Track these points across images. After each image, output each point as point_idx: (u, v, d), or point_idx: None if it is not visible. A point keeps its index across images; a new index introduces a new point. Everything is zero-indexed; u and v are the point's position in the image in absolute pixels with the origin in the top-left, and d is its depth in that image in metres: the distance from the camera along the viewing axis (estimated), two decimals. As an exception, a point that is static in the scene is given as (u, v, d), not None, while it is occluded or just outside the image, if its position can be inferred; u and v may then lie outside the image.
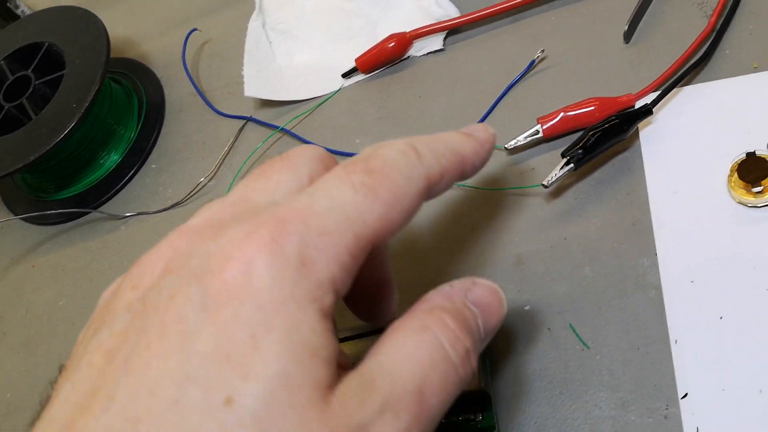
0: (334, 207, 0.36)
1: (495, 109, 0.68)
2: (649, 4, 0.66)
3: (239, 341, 0.33)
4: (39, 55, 0.82)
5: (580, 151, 0.58)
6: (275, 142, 0.77)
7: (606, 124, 0.58)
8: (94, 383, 0.34)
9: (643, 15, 0.66)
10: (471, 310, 0.41)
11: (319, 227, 0.35)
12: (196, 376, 0.32)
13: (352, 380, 0.35)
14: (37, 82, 0.80)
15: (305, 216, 0.36)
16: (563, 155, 0.59)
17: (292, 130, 0.76)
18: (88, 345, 0.36)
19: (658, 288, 0.55)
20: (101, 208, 0.80)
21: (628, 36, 0.65)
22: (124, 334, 0.35)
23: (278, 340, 0.33)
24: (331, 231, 0.36)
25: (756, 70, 0.60)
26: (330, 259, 0.35)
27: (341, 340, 0.53)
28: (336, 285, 0.35)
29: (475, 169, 0.45)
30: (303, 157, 0.42)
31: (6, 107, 0.79)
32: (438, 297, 0.41)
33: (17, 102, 0.79)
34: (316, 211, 0.36)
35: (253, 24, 0.81)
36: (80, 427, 0.33)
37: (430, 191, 0.41)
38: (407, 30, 0.75)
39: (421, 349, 0.37)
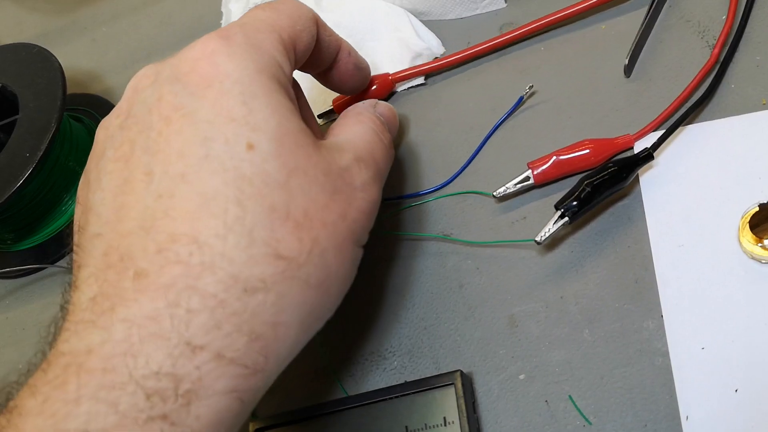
0: (254, 19, 0.47)
1: (482, 150, 0.63)
2: (648, 35, 0.61)
3: (234, 107, 0.42)
4: (-8, 98, 0.76)
5: (574, 203, 0.53)
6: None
7: (603, 172, 0.53)
8: (123, 175, 0.43)
9: (643, 46, 0.60)
10: (380, 117, 0.55)
11: (253, 27, 0.46)
12: (213, 135, 0.41)
13: (327, 143, 0.47)
14: (-13, 129, 0.75)
15: (240, 22, 0.47)
16: (557, 207, 0.54)
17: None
18: (99, 169, 0.45)
19: (665, 355, 0.50)
20: (62, 261, 0.75)
21: (629, 70, 0.60)
22: (130, 141, 0.43)
23: (265, 103, 0.42)
24: (262, 30, 0.46)
25: (765, 106, 0.55)
26: (271, 47, 0.46)
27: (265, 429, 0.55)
28: (281, 64, 0.46)
29: (352, 56, 0.59)
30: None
31: (-44, 154, 0.73)
32: (359, 106, 0.56)
33: (-32, 150, 0.73)
34: (245, 21, 0.47)
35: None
36: (130, 201, 0.42)
37: (320, 30, 0.52)
38: (388, 63, 0.69)
39: (365, 131, 0.52)
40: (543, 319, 0.55)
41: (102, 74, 0.90)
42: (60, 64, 0.75)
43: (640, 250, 0.54)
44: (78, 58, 0.77)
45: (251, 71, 0.43)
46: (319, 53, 0.54)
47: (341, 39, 0.57)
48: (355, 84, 0.61)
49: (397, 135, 0.66)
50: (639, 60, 0.61)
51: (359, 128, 0.52)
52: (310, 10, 0.51)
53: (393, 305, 0.60)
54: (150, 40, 0.90)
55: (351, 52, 0.58)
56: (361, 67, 0.60)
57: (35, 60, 0.76)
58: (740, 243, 0.51)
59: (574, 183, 0.55)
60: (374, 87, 0.68)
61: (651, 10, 0.61)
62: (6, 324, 0.75)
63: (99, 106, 0.85)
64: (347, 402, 0.54)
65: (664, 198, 0.55)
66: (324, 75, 0.58)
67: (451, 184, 0.63)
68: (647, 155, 0.54)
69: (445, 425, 0.51)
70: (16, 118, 0.73)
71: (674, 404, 0.49)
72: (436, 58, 0.70)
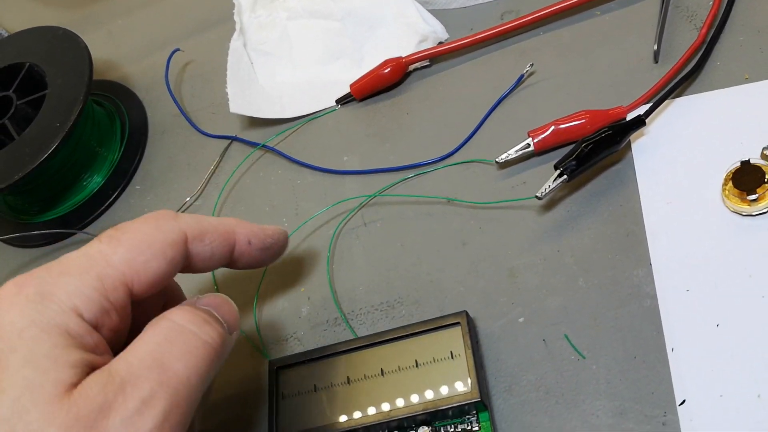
0: (79, 255, 0.44)
1: (484, 124, 0.68)
2: (665, 21, 0.66)
3: None
4: (20, 76, 0.81)
5: (573, 162, 0.58)
6: (258, 158, 0.76)
7: (599, 135, 0.58)
8: None
9: (663, 32, 0.65)
10: (204, 309, 0.47)
11: (59, 270, 0.43)
12: None
13: (96, 375, 0.41)
14: (18, 103, 0.79)
15: (49, 265, 0.44)
16: (556, 167, 0.58)
17: (277, 148, 0.75)
18: None
19: (653, 297, 0.55)
20: (85, 230, 0.79)
21: (657, 55, 0.65)
22: None
23: (21, 357, 0.39)
24: (71, 271, 0.43)
25: (747, 81, 0.60)
26: (70, 293, 0.42)
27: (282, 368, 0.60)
28: (80, 311, 0.42)
29: (254, 244, 0.54)
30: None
31: (-13, 128, 0.78)
32: (174, 312, 0.46)
33: (-1, 122, 0.78)
34: (61, 261, 0.44)
35: (235, 44, 0.81)
36: None
37: (193, 245, 0.49)
38: (395, 48, 0.74)
39: (157, 332, 0.44)
40: (541, 270, 0.59)
41: (119, 63, 0.94)
42: (86, 44, 0.79)
43: (631, 208, 0.59)
44: (95, 49, 0.81)
45: (26, 323, 0.40)
46: (198, 263, 0.50)
47: (235, 232, 0.52)
48: (268, 261, 0.57)
49: (401, 113, 0.71)
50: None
51: (153, 330, 0.44)
52: (174, 230, 0.47)
53: (401, 262, 0.65)
54: (165, 30, 0.94)
55: (252, 239, 0.54)
56: (269, 246, 0.56)
57: (61, 41, 0.81)
58: (723, 198, 0.55)
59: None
60: (387, 70, 0.73)
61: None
62: (29, 288, 0.79)
63: (118, 92, 0.89)
64: (361, 341, 0.58)
65: (654, 161, 0.60)
66: (229, 266, 0.54)
67: (454, 155, 0.68)
68: (639, 121, 0.59)
69: (452, 358, 0.55)
70: (45, 93, 0.77)
71: (661, 339, 0.53)
72: (441, 43, 0.74)
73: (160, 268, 0.46)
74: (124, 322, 0.45)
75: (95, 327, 0.43)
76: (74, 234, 0.79)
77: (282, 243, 0.57)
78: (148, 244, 0.46)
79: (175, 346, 0.43)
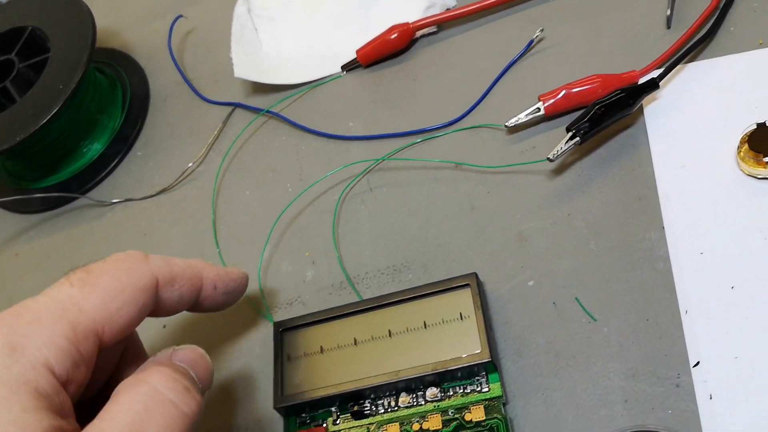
0: (48, 300, 0.41)
1: (493, 90, 0.67)
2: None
3: None
4: (22, 39, 0.80)
5: (586, 124, 0.57)
6: (262, 125, 0.76)
7: (612, 97, 0.58)
8: None
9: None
10: (179, 364, 0.44)
11: (29, 317, 0.39)
12: None
13: None
14: (20, 66, 0.78)
15: (18, 310, 0.40)
16: (568, 129, 0.58)
17: (282, 113, 0.74)
18: None
19: (666, 260, 0.54)
20: (87, 195, 0.78)
21: (669, 21, 0.64)
22: None
23: None
24: (42, 319, 0.39)
25: (761, 46, 0.60)
26: (42, 344, 0.39)
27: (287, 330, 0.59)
28: (51, 366, 0.39)
29: (219, 288, 0.52)
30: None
31: (-12, 91, 0.77)
32: (148, 362, 0.44)
33: (0, 85, 0.77)
34: (30, 306, 0.41)
35: (239, 10, 0.80)
36: None
37: (162, 290, 0.46)
38: (402, 14, 0.74)
39: (137, 398, 0.40)
40: (551, 234, 0.58)
41: (121, 30, 0.93)
42: (88, 7, 0.78)
43: (644, 172, 0.58)
44: (97, 17, 0.79)
45: None
46: (165, 308, 0.48)
47: (202, 277, 0.50)
48: (228, 304, 0.55)
49: (408, 79, 0.70)
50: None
51: (132, 395, 0.40)
52: (146, 274, 0.45)
53: (408, 227, 0.64)
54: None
55: (218, 284, 0.52)
56: (231, 290, 0.54)
57: (64, 4, 0.80)
58: (738, 161, 0.55)
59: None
60: (394, 36, 0.72)
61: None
62: (30, 253, 0.78)
63: (120, 60, 0.89)
64: (368, 303, 0.57)
65: (667, 125, 0.59)
66: (191, 309, 0.52)
67: (462, 120, 0.67)
68: (652, 83, 0.59)
69: (461, 319, 0.54)
70: (47, 57, 0.77)
71: (674, 301, 0.52)
72: (449, 9, 0.74)
73: (132, 315, 0.44)
74: (89, 374, 0.42)
75: (64, 383, 0.40)
76: (76, 198, 0.78)
77: (243, 287, 0.56)
78: (121, 290, 0.43)
79: (155, 418, 0.39)
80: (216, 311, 0.54)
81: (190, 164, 0.75)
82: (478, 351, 0.52)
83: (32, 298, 0.41)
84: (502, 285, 0.58)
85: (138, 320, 0.45)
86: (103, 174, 0.80)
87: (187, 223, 0.72)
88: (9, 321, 0.39)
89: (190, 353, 0.46)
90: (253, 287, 0.65)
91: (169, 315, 0.49)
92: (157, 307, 0.47)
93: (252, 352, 0.62)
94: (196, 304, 0.51)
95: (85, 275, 0.43)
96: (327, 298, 0.62)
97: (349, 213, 0.66)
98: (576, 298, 0.55)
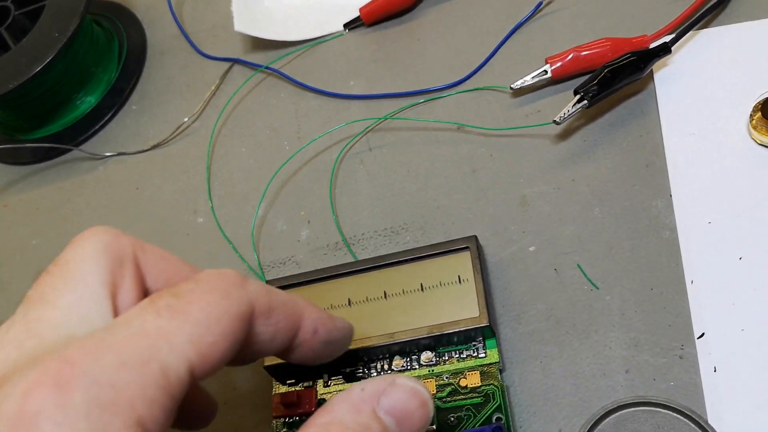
0: (134, 335, 0.32)
1: (498, 52, 0.66)
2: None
3: None
4: (18, -13, 0.78)
5: (594, 86, 0.55)
6: (260, 82, 0.74)
7: (622, 60, 0.56)
8: None
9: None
10: (382, 421, 0.36)
11: (114, 362, 0.30)
12: None
13: None
14: (16, 13, 0.76)
15: (97, 352, 0.31)
16: (576, 92, 0.56)
17: (281, 70, 0.72)
18: None
19: (672, 229, 0.52)
20: (80, 147, 0.76)
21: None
22: None
23: None
24: (130, 362, 0.31)
25: (776, 13, 0.58)
26: (134, 397, 0.30)
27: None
28: (144, 424, 0.30)
29: (320, 335, 0.41)
30: (85, 263, 0.36)
31: (-17, 38, 0.75)
32: (342, 406, 0.36)
33: (-5, 32, 0.75)
34: (111, 344, 0.31)
35: (241, -35, 0.78)
36: None
37: (257, 322, 0.37)
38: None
39: None
40: (554, 199, 0.57)
41: (119, -17, 0.91)
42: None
43: (652, 138, 0.57)
44: None
45: None
46: (254, 346, 0.38)
47: (303, 316, 0.40)
48: (324, 358, 0.43)
49: (412, 39, 0.69)
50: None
51: None
52: (243, 301, 0.36)
53: (407, 188, 0.62)
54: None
55: (319, 328, 0.41)
56: (333, 340, 0.43)
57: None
58: (750, 129, 0.53)
59: (591, 79, 0.57)
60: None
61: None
62: (19, 205, 0.77)
63: (118, 12, 0.87)
64: (364, 263, 0.56)
65: (678, 91, 0.57)
66: (280, 355, 0.42)
67: (466, 82, 0.66)
68: (664, 47, 0.57)
69: (460, 283, 0.52)
70: (43, 5, 0.75)
71: (680, 271, 0.51)
72: (455, -30, 0.72)
73: (226, 350, 0.34)
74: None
75: None
76: (69, 150, 0.77)
77: (348, 339, 0.44)
78: (217, 320, 0.34)
79: None
80: (307, 364, 0.43)
81: (186, 119, 0.74)
82: (476, 315, 0.50)
83: (110, 327, 0.33)
84: (503, 250, 0.56)
85: (231, 356, 0.35)
86: (97, 127, 0.78)
87: (180, 178, 0.71)
88: (90, 369, 0.30)
89: (405, 400, 0.37)
90: (246, 246, 0.63)
91: (254, 359, 0.39)
92: (245, 344, 0.37)
93: (243, 311, 0.60)
94: (288, 348, 0.40)
95: (174, 301, 0.33)
96: (322, 258, 0.61)
97: (347, 173, 0.64)
98: (578, 265, 0.53)
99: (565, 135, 0.59)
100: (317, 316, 0.41)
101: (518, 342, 0.52)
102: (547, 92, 0.62)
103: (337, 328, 0.42)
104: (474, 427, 0.49)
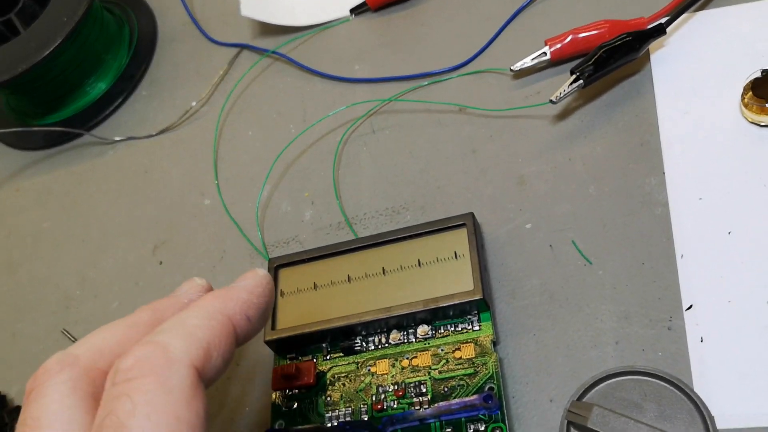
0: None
1: (500, 36, 0.67)
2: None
3: None
4: (29, -27, 0.79)
5: (590, 66, 0.56)
6: (268, 67, 0.75)
7: (618, 40, 0.57)
8: None
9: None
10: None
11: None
12: None
13: None
14: (26, -1, 0.78)
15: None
16: (572, 72, 0.57)
17: (288, 55, 0.73)
18: None
19: (665, 205, 0.53)
20: (92, 132, 0.78)
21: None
22: None
23: None
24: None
25: (771, -5, 0.59)
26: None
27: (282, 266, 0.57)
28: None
29: (253, 318, 0.40)
30: (56, 372, 0.36)
31: (-6, 23, 0.76)
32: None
33: (5, 17, 0.77)
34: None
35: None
36: None
37: (204, 373, 0.36)
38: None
39: None
40: (551, 178, 0.58)
41: (132, -28, 0.92)
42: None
43: (647, 118, 0.57)
44: None
45: None
46: (214, 379, 0.38)
47: (229, 316, 0.39)
48: (265, 321, 0.43)
49: (416, 24, 0.70)
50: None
51: None
52: (178, 373, 0.34)
53: (408, 169, 0.63)
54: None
55: (249, 312, 0.40)
56: (266, 307, 0.42)
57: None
58: (742, 108, 0.54)
59: (588, 60, 0.58)
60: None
61: None
62: (31, 189, 0.78)
63: (130, 1, 0.88)
64: (363, 241, 0.57)
65: (673, 72, 0.58)
66: None
67: (468, 65, 0.67)
68: (660, 28, 0.58)
69: (456, 258, 0.53)
70: (53, -11, 0.76)
71: (670, 246, 0.52)
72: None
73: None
74: None
75: None
76: (79, 135, 0.78)
77: (271, 292, 0.43)
78: (176, 420, 0.33)
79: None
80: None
81: (194, 104, 0.75)
82: (471, 288, 0.51)
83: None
84: (500, 228, 0.57)
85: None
86: (107, 113, 0.80)
87: (188, 162, 0.72)
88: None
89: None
90: (251, 227, 0.65)
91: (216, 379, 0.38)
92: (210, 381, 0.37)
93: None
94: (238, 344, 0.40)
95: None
96: (324, 238, 0.62)
97: (351, 155, 0.66)
98: (573, 241, 0.54)
99: (563, 115, 0.60)
100: (241, 304, 0.40)
101: (513, 316, 0.53)
102: (547, 74, 0.63)
103: (261, 294, 0.42)
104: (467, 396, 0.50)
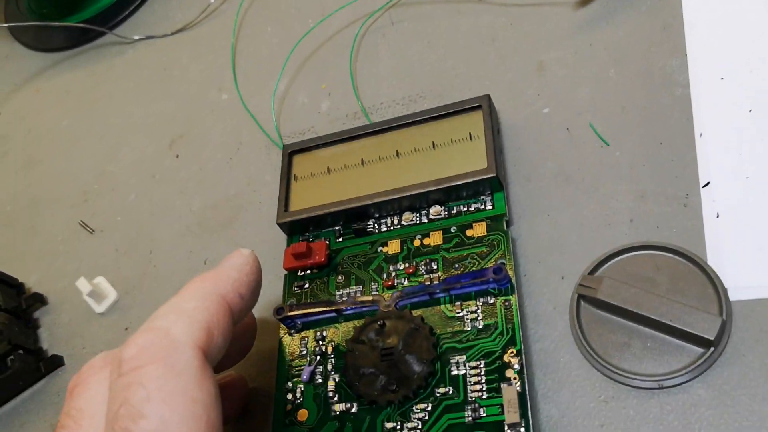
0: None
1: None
2: None
3: None
4: None
5: (611, -54, 0.55)
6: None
7: None
8: None
9: None
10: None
11: None
12: None
13: None
14: None
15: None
16: (594, -46, 0.55)
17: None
18: None
19: (685, 86, 0.52)
20: (114, 31, 0.77)
21: None
22: None
23: None
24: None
25: None
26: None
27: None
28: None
29: (245, 297, 0.42)
30: (99, 368, 0.39)
31: None
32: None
33: None
34: None
35: None
36: None
37: (209, 354, 0.37)
38: None
39: None
40: (571, 63, 0.57)
41: None
42: None
43: (670, 1, 0.56)
44: None
45: None
46: (219, 362, 0.40)
47: (222, 298, 0.40)
48: (257, 298, 0.44)
49: None
50: None
51: None
52: (186, 356, 0.36)
53: (426, 58, 0.63)
54: None
55: (241, 290, 0.42)
56: (256, 282, 0.43)
57: None
58: (767, -13, 0.52)
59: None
60: None
61: None
62: (51, 89, 0.78)
63: None
64: (377, 126, 0.56)
65: (697, -47, 0.57)
66: None
67: (490, -44, 0.65)
68: None
69: (471, 139, 0.52)
70: None
71: (690, 125, 0.51)
72: None
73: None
74: None
75: None
76: (100, 36, 0.78)
77: (259, 269, 0.44)
78: (192, 403, 0.35)
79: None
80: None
81: (212, 1, 0.74)
82: (485, 167, 0.50)
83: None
84: (517, 113, 0.56)
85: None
86: (126, 13, 0.79)
87: (206, 58, 0.72)
88: None
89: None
90: (267, 119, 0.64)
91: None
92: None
93: (261, 179, 0.61)
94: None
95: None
96: (340, 127, 0.61)
97: (369, 46, 0.65)
98: (590, 124, 0.53)
99: (585, 1, 0.58)
100: (232, 282, 0.41)
101: (527, 198, 0.52)
102: (569, -36, 0.61)
103: (251, 272, 0.43)
104: (477, 273, 0.49)
